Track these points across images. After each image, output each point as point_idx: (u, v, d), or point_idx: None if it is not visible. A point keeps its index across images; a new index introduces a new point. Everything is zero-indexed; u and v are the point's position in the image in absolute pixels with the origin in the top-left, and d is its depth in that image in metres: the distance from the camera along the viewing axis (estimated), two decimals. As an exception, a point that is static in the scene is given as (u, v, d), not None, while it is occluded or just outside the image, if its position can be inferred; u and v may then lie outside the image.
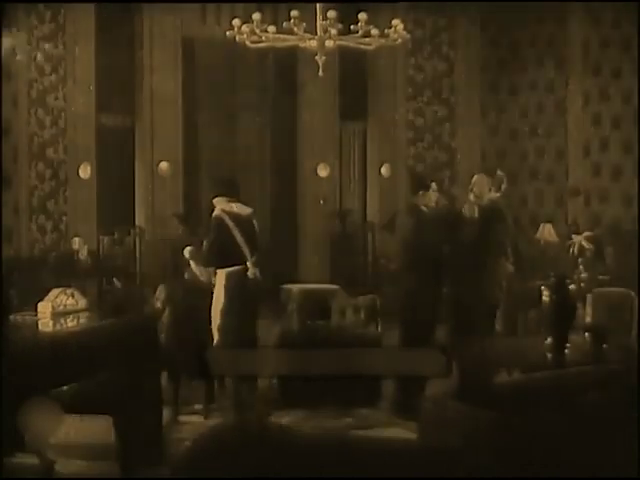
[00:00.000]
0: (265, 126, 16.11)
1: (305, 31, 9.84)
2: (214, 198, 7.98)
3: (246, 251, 7.76)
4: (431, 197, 7.97)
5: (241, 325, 7.74)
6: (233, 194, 7.85)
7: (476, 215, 7.67)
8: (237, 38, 9.90)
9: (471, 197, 7.79)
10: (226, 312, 7.71)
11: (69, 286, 8.65)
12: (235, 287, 7.72)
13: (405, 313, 7.81)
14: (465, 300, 7.61)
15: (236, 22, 9.96)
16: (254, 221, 8.04)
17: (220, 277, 7.76)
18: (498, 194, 7.75)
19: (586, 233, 12.78)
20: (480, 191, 7.72)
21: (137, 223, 14.55)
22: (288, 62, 14.96)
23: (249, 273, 7.68)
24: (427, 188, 7.94)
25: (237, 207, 7.90)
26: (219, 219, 7.81)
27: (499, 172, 7.97)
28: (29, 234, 13.41)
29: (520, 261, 12.30)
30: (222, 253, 7.78)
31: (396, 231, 8.60)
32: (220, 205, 7.86)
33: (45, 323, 6.46)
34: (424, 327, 7.73)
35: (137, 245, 14.36)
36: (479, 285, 7.54)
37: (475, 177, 7.89)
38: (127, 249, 14.31)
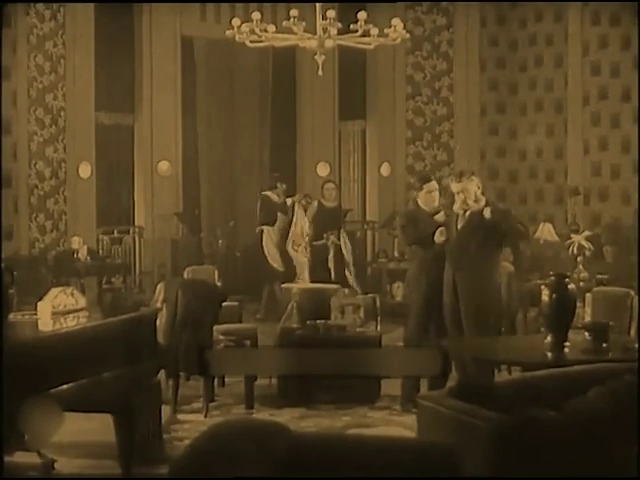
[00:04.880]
0: (265, 126, 16.12)
1: (305, 30, 9.85)
2: None
3: None
4: (434, 197, 8.03)
5: None
6: None
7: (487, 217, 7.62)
8: (237, 37, 9.91)
9: (470, 203, 7.73)
10: None
11: (69, 285, 8.69)
12: None
13: (419, 313, 7.82)
14: (464, 299, 7.60)
15: (236, 21, 9.96)
16: None
17: None
18: (480, 193, 7.72)
19: (585, 232, 12.77)
20: (476, 196, 7.69)
21: (137, 222, 14.56)
22: (287, 61, 14.97)
23: None
24: (429, 181, 8.04)
25: None
26: None
27: (471, 169, 7.99)
28: (29, 233, 13.42)
29: (520, 260, 12.32)
30: None
31: (399, 231, 8.72)
32: None
33: (45, 322, 6.46)
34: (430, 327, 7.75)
35: (136, 244, 14.38)
36: (479, 284, 7.53)
37: (462, 186, 7.75)
38: (126, 248, 14.33)
